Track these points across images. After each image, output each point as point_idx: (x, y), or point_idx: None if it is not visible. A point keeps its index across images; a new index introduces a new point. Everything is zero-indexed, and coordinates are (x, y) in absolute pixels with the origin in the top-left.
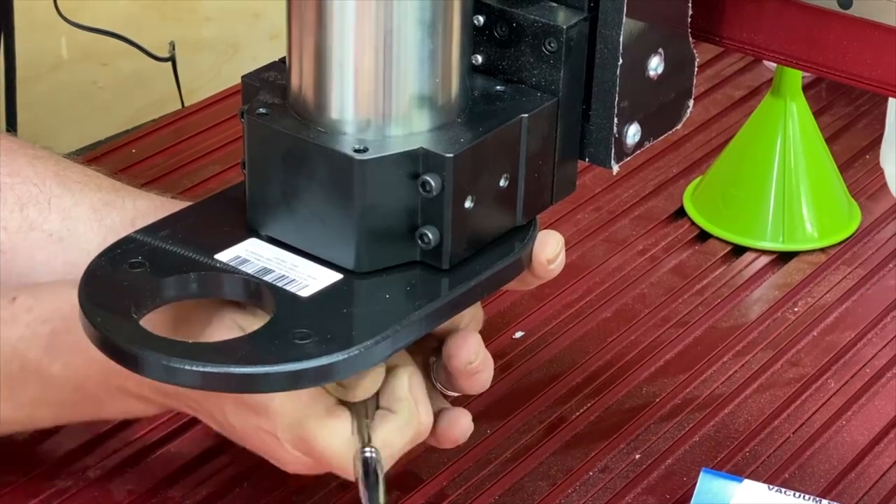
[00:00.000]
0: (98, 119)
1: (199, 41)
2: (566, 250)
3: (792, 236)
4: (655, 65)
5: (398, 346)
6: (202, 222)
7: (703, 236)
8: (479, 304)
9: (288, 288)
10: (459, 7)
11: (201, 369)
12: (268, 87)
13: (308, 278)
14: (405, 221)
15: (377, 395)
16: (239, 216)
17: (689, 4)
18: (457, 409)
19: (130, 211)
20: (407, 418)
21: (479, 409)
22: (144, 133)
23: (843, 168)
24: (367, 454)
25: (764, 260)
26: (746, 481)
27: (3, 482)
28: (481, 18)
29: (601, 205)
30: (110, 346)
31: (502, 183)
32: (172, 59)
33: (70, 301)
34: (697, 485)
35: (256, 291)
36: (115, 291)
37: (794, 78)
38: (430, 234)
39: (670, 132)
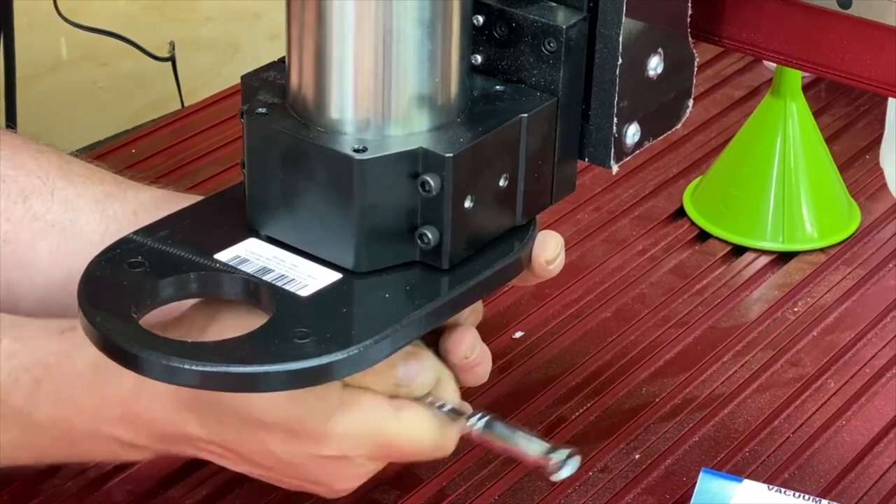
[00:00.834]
0: (98, 119)
1: (199, 41)
2: (566, 250)
3: (792, 236)
4: (655, 65)
5: (397, 346)
6: (201, 222)
7: (703, 236)
8: None
9: (287, 288)
10: (459, 7)
11: (201, 369)
12: (267, 86)
13: (307, 278)
14: (405, 221)
15: None
16: (238, 216)
17: (689, 4)
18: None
19: (132, 203)
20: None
21: (479, 409)
22: (144, 133)
23: (843, 168)
24: (484, 418)
25: (764, 260)
26: (746, 481)
27: (3, 482)
28: (481, 18)
29: (601, 205)
30: (110, 347)
31: (502, 183)
32: (172, 59)
33: (56, 349)
34: (697, 485)
35: (256, 291)
36: (114, 291)
37: (794, 78)
38: (430, 234)
39: (670, 132)
